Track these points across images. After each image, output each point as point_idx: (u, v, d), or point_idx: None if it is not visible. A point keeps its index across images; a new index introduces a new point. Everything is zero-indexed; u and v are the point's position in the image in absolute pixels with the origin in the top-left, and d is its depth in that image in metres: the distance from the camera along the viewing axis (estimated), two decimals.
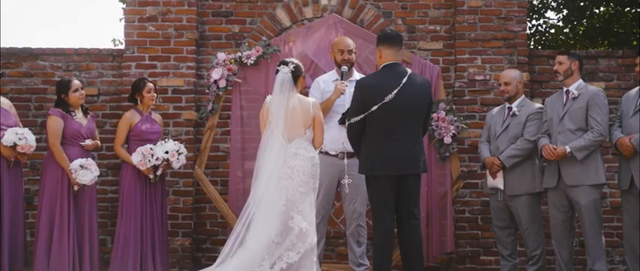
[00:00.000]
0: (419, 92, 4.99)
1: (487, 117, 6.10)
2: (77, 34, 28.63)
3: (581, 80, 5.61)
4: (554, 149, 5.41)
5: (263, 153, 5.10)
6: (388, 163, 4.92)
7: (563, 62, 5.60)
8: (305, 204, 5.03)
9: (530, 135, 5.68)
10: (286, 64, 5.15)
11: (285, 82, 5.09)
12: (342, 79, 5.58)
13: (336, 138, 5.52)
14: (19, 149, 5.66)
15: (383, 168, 4.92)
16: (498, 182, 5.75)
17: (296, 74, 5.13)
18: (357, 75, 5.64)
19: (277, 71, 5.15)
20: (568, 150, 5.38)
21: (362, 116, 4.90)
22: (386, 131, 4.92)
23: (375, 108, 4.87)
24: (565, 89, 5.59)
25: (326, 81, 5.72)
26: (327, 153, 5.54)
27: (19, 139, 5.64)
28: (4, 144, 5.62)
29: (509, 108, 5.83)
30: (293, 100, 5.08)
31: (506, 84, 5.84)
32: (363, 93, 4.93)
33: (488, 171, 5.83)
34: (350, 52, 5.65)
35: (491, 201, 5.98)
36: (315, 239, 5.05)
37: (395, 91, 4.89)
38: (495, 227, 5.97)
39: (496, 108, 6.05)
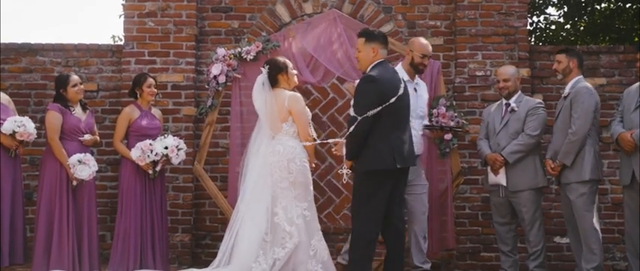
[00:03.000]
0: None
1: (484, 114, 6.09)
2: (77, 32, 28.64)
3: (580, 77, 5.64)
4: (552, 169, 5.58)
5: (249, 153, 5.33)
6: (405, 155, 4.94)
7: (561, 61, 5.66)
8: (287, 200, 5.13)
9: (531, 130, 5.67)
10: (264, 66, 5.36)
11: (265, 84, 5.32)
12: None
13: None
14: (18, 137, 5.65)
15: (401, 160, 4.90)
16: (501, 178, 5.73)
17: (273, 73, 5.30)
18: (419, 81, 5.76)
19: None
20: (558, 162, 5.53)
21: (379, 109, 4.81)
22: (398, 124, 4.92)
23: (393, 100, 4.84)
24: (563, 93, 5.73)
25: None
26: None
27: (18, 127, 5.63)
28: (4, 132, 5.61)
29: (507, 105, 5.84)
30: (270, 98, 5.26)
31: (505, 80, 5.85)
32: (380, 87, 4.84)
33: (489, 168, 5.81)
34: (429, 58, 5.71)
35: (491, 197, 5.97)
36: (301, 237, 5.07)
37: (402, 86, 4.95)
38: (496, 223, 5.95)
39: (493, 105, 6.04)
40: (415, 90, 5.64)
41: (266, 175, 5.17)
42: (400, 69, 5.59)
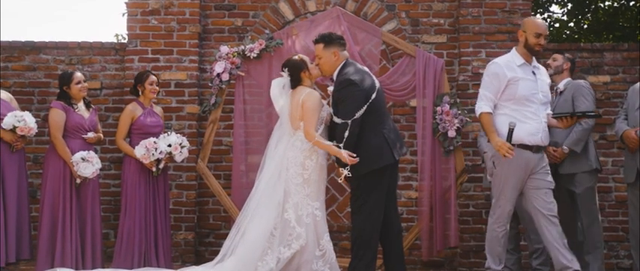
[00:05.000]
0: None
1: None
2: (80, 30, 28.66)
3: (569, 78, 5.82)
4: (554, 151, 5.56)
5: (268, 146, 5.26)
6: (399, 145, 5.03)
7: (557, 59, 5.89)
8: (299, 197, 5.07)
9: None
10: (283, 70, 5.27)
11: (285, 87, 5.26)
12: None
13: (534, 130, 5.06)
14: (18, 131, 5.64)
15: (398, 152, 5.00)
16: None
17: (296, 73, 5.22)
18: (537, 64, 5.28)
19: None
20: (566, 149, 5.56)
21: (365, 106, 4.87)
22: (383, 117, 5.00)
23: (374, 95, 4.92)
24: (556, 87, 5.84)
25: (509, 64, 5.15)
26: (522, 146, 5.02)
27: (18, 121, 5.62)
28: (4, 127, 5.61)
29: None
30: (288, 98, 5.22)
31: None
32: (360, 86, 4.91)
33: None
34: (545, 37, 5.19)
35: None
36: (309, 237, 5.03)
37: (375, 78, 5.05)
38: None
39: None
40: (533, 73, 5.17)
41: (282, 169, 5.12)
42: (514, 54, 5.21)
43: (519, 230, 5.97)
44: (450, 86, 6.33)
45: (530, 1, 6.84)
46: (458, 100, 6.19)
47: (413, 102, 6.48)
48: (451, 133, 5.89)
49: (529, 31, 5.15)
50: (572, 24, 10.86)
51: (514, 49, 5.26)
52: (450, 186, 6.01)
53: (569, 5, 10.60)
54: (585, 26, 10.74)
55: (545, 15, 10.96)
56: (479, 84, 6.60)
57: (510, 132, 4.91)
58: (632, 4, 10.22)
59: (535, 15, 10.48)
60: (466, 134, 6.50)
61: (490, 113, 5.11)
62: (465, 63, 6.73)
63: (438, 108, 5.90)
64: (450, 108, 5.90)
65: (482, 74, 6.61)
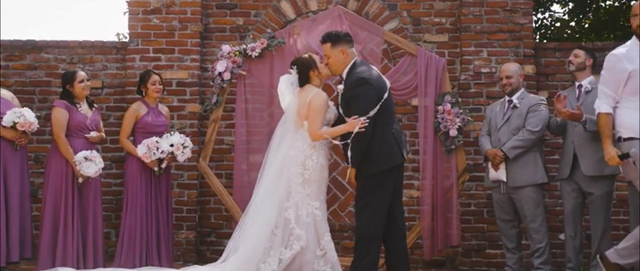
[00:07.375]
0: None
1: (487, 111, 6.11)
2: (81, 29, 28.67)
3: (592, 77, 5.68)
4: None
5: (271, 144, 5.24)
6: (404, 144, 5.01)
7: (579, 55, 5.73)
8: (299, 196, 5.06)
9: (532, 126, 5.68)
10: (292, 67, 5.24)
11: (293, 84, 5.22)
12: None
13: None
14: (19, 127, 5.63)
15: (405, 151, 5.00)
16: (501, 174, 5.75)
17: (304, 71, 5.18)
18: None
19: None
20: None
21: (378, 106, 4.82)
22: (392, 118, 4.97)
23: (386, 95, 4.88)
24: (577, 84, 5.69)
25: (629, 54, 4.71)
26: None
27: (18, 117, 5.62)
28: (4, 125, 5.61)
29: (510, 101, 5.85)
30: (295, 97, 5.18)
31: (508, 77, 5.88)
32: (373, 84, 4.87)
33: (490, 164, 5.82)
34: None
35: (493, 194, 5.98)
36: (310, 237, 5.01)
37: (385, 78, 5.02)
38: (499, 220, 5.96)
39: (496, 103, 6.05)
40: None
41: (284, 167, 5.11)
42: (634, 42, 4.77)
43: (521, 229, 5.97)
44: (451, 85, 6.33)
45: (531, 0, 6.84)
46: (459, 99, 6.19)
47: (414, 102, 6.48)
48: (453, 132, 5.89)
49: (632, 15, 4.73)
50: (573, 23, 10.86)
51: (634, 37, 4.80)
52: (451, 185, 6.01)
53: (571, 4, 10.60)
54: (586, 25, 10.74)
55: (547, 14, 10.96)
56: (480, 84, 6.69)
57: (628, 155, 4.53)
58: (633, 3, 10.21)
59: (536, 14, 10.48)
60: (467, 133, 6.50)
61: (609, 114, 4.66)
62: (466, 62, 6.73)
63: (440, 108, 5.90)
64: (452, 107, 5.91)
65: (484, 73, 6.67)
